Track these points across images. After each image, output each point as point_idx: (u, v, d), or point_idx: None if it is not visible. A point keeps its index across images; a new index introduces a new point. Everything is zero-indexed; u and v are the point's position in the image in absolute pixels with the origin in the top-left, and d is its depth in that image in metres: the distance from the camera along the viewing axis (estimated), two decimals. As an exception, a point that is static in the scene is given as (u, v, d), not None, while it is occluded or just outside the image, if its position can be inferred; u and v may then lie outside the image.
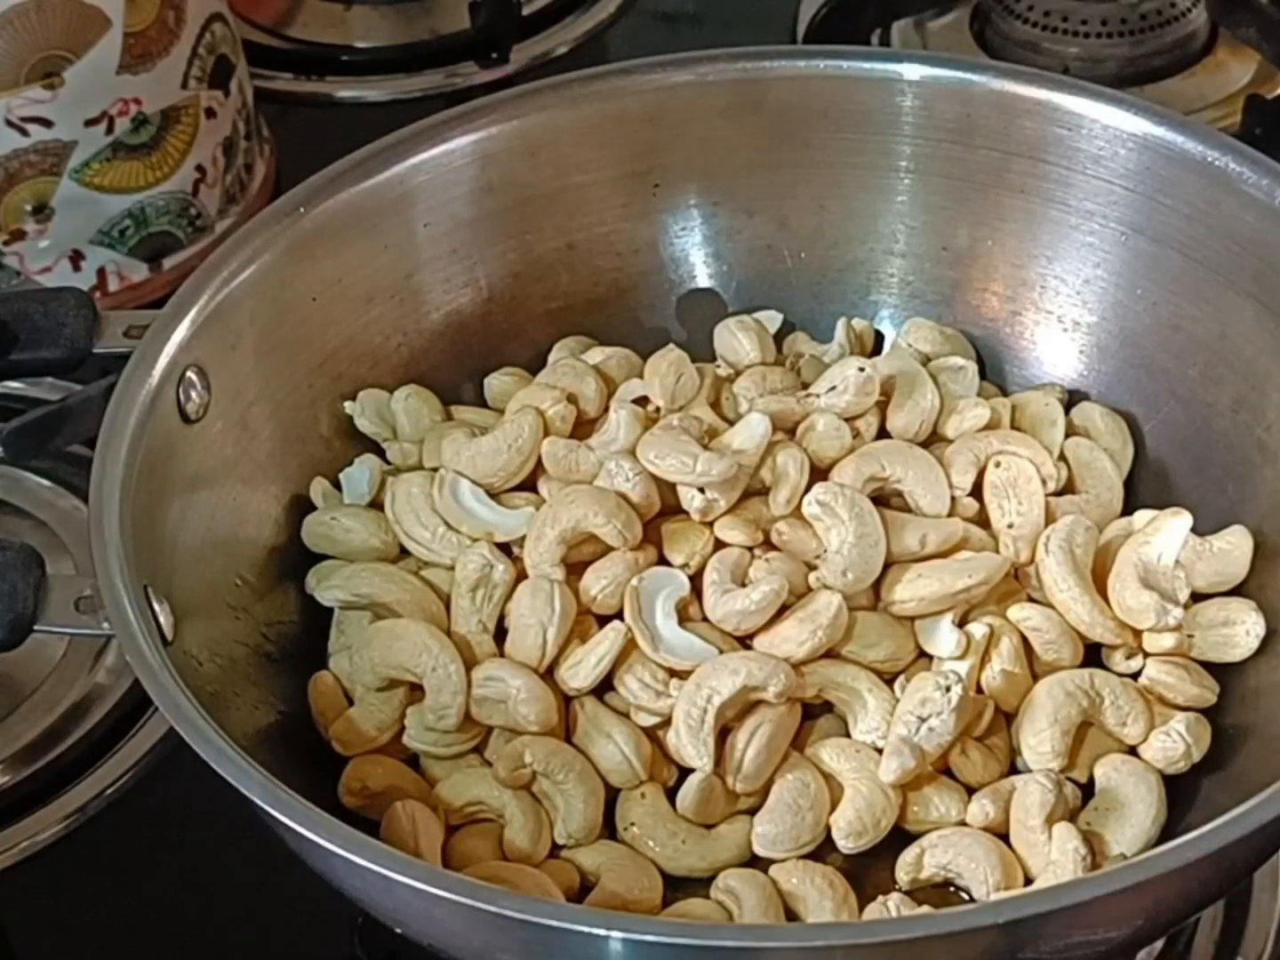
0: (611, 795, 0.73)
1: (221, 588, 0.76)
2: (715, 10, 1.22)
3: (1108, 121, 0.83)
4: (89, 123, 0.97)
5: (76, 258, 1.00)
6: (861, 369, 0.80)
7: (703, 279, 0.90)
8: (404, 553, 0.79)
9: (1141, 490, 0.84)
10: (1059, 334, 0.87)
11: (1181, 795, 0.73)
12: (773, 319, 0.89)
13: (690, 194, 0.89)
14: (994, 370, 0.88)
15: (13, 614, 0.68)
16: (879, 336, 0.90)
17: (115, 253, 1.00)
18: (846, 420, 0.80)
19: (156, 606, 0.68)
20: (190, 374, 0.75)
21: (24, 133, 0.95)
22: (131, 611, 0.66)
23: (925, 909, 0.68)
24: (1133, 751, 0.74)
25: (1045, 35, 1.12)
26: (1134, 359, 0.85)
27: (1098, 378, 0.86)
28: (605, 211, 0.88)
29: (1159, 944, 0.75)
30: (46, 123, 0.95)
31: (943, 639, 0.75)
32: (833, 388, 0.81)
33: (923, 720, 0.71)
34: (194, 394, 0.76)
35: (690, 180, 0.88)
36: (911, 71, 0.86)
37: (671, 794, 0.73)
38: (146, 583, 0.68)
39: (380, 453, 0.83)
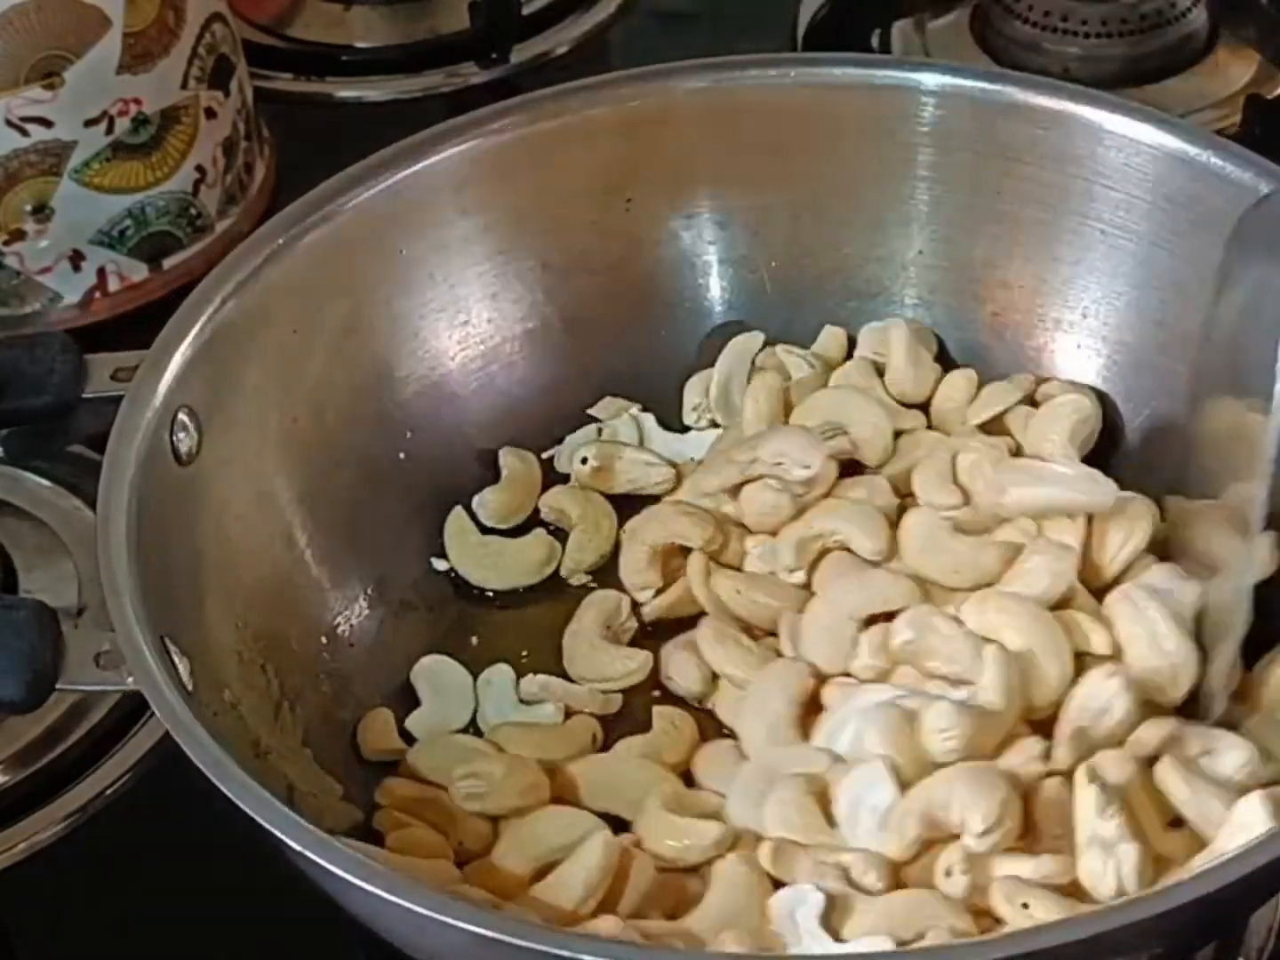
0: None
1: (230, 632, 0.76)
2: (715, 10, 1.22)
3: (1074, 115, 0.84)
4: (89, 123, 0.97)
5: (76, 258, 1.00)
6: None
7: (680, 290, 0.90)
8: None
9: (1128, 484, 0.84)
10: (1041, 333, 0.87)
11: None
12: (755, 339, 0.89)
13: (662, 207, 0.89)
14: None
15: (32, 673, 0.67)
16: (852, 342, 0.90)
17: (115, 253, 1.00)
18: None
19: (176, 658, 0.68)
20: (181, 415, 0.75)
21: (24, 133, 0.95)
22: (155, 665, 0.66)
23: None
24: None
25: (1045, 35, 1.12)
26: (1121, 355, 0.86)
27: (1082, 375, 0.87)
28: (579, 228, 0.88)
29: (1159, 944, 0.75)
30: (46, 123, 0.95)
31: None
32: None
33: None
34: (186, 436, 0.75)
35: (662, 193, 0.88)
36: (882, 78, 0.86)
37: None
38: (163, 633, 0.68)
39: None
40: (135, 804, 0.81)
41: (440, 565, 0.85)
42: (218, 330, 0.78)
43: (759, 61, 0.88)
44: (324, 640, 0.81)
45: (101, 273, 1.01)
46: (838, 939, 0.67)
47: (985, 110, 0.85)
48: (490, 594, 0.85)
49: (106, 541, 0.70)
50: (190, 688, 0.68)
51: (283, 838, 0.63)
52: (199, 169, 1.02)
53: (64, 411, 0.77)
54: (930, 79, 0.86)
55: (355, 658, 0.82)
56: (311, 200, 0.82)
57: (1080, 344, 0.87)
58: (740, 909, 0.69)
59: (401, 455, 0.86)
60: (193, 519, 0.76)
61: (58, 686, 0.68)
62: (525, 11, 1.21)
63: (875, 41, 1.16)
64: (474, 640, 0.84)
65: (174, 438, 0.75)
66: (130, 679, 0.67)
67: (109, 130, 0.97)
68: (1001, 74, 0.90)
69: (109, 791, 0.82)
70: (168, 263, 1.02)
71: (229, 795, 0.63)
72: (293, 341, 0.82)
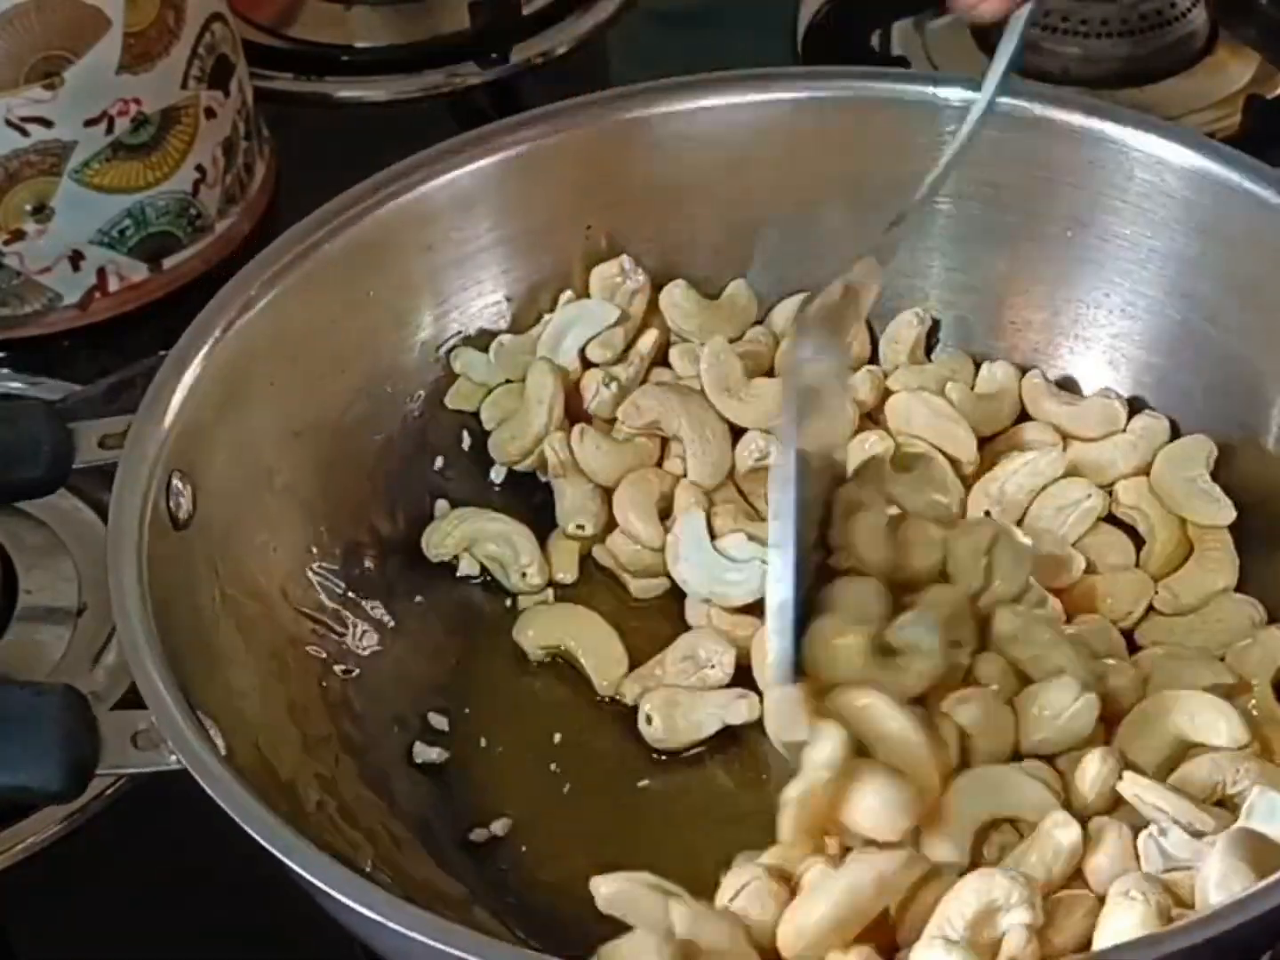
0: None
1: (247, 693, 0.76)
2: (715, 10, 1.22)
3: (1082, 129, 0.84)
4: (89, 123, 0.97)
5: (76, 258, 1.00)
6: None
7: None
8: None
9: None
10: (1056, 345, 0.88)
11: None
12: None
13: (623, 234, 0.89)
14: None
15: (71, 759, 0.65)
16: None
17: (115, 253, 1.00)
18: None
19: (211, 730, 0.68)
20: (175, 481, 0.75)
21: (24, 133, 0.95)
22: (194, 741, 0.66)
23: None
24: None
25: (1045, 35, 1.12)
26: (1134, 365, 0.86)
27: (1096, 385, 0.87)
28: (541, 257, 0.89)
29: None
30: (46, 123, 0.95)
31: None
32: None
33: None
34: (182, 500, 0.75)
35: (621, 220, 0.88)
36: (895, 91, 0.87)
37: None
38: (194, 705, 0.68)
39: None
40: (135, 804, 0.81)
41: None
42: (198, 391, 0.77)
43: (752, 74, 0.88)
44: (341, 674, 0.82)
45: (101, 273, 1.01)
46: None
47: (1004, 125, 0.84)
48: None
49: (125, 617, 0.69)
50: (224, 753, 0.68)
51: (353, 904, 0.63)
52: (199, 169, 1.02)
53: (57, 484, 0.77)
54: (946, 93, 0.86)
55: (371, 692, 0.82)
56: (283, 244, 0.82)
57: (1094, 355, 0.87)
58: None
59: (393, 493, 0.86)
60: (198, 582, 0.75)
61: (98, 772, 0.66)
62: (525, 11, 1.21)
63: (875, 42, 1.16)
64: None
65: (170, 504, 0.74)
66: (174, 758, 0.66)
67: (109, 130, 0.97)
68: (1023, 89, 0.88)
69: (109, 792, 0.81)
70: (167, 263, 1.02)
71: (292, 865, 0.64)
72: (271, 393, 0.81)
